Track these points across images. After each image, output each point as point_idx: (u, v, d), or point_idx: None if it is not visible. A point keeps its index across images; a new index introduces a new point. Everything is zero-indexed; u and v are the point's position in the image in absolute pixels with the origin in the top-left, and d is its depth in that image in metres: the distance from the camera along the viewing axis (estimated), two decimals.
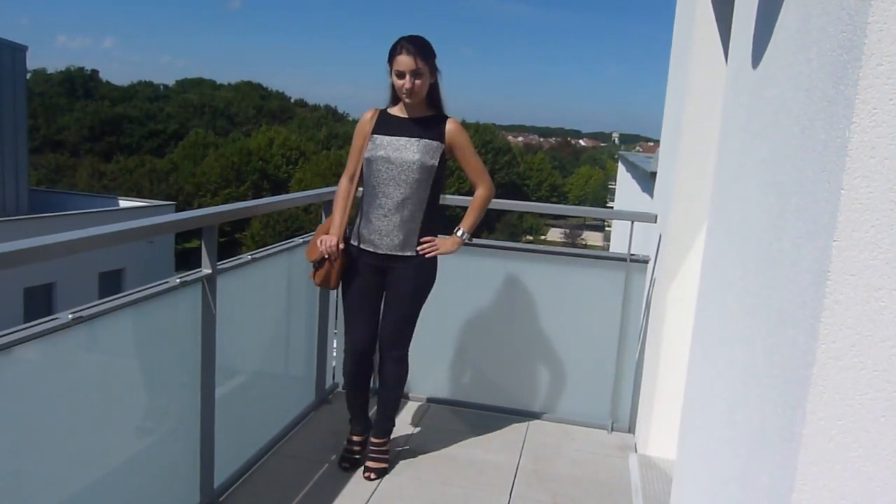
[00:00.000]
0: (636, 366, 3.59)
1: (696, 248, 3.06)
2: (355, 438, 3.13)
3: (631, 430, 3.63)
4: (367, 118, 2.92)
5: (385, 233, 2.87)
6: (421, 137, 2.84)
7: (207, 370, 2.52)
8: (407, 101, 2.82)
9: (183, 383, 2.47)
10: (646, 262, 3.53)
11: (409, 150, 2.82)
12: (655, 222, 3.51)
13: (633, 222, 3.55)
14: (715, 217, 2.02)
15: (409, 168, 2.82)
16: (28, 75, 25.21)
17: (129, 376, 2.22)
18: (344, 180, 2.99)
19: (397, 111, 2.90)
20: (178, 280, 2.30)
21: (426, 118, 2.88)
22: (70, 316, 1.83)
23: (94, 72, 67.13)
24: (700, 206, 3.01)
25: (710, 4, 2.91)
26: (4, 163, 19.28)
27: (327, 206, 3.57)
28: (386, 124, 2.88)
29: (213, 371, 2.54)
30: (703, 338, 1.96)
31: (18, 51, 20.33)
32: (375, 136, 2.86)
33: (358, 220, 2.95)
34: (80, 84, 63.52)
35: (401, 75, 2.77)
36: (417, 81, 2.76)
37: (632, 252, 3.50)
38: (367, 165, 2.86)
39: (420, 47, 2.76)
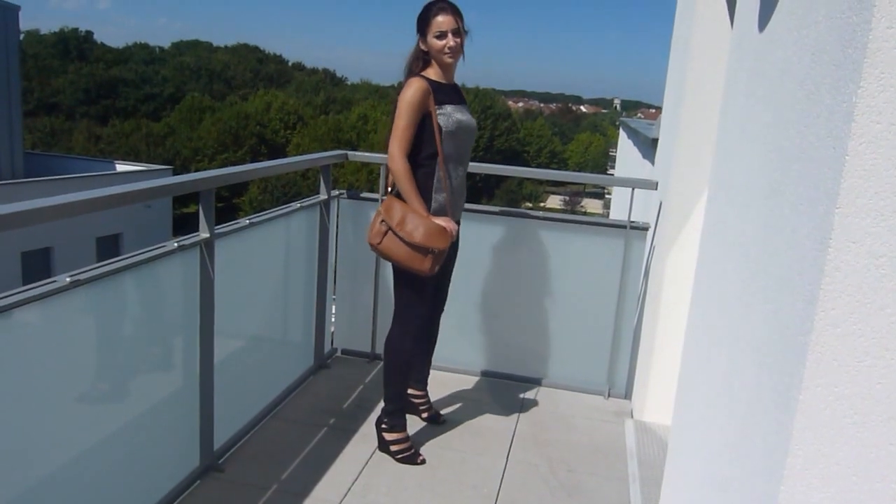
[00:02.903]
0: (634, 332, 3.61)
1: (697, 215, 3.05)
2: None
3: (627, 396, 3.66)
4: (426, 89, 2.74)
5: (463, 200, 2.98)
6: (465, 102, 2.96)
7: (206, 334, 2.53)
8: (449, 61, 2.79)
9: (182, 347, 2.48)
10: (645, 229, 3.52)
11: (471, 115, 2.91)
12: (656, 189, 3.49)
13: (633, 189, 3.53)
14: (716, 183, 2.00)
15: (475, 133, 2.94)
16: (21, 36, 24.74)
17: (127, 340, 2.23)
18: (404, 159, 2.73)
19: (438, 77, 2.83)
20: (175, 244, 2.29)
21: (455, 83, 2.95)
22: (68, 279, 1.83)
23: (89, 33, 66.08)
24: (701, 173, 2.99)
25: None
26: None
27: (325, 171, 3.55)
28: (443, 93, 2.81)
29: (211, 335, 2.55)
30: (702, 304, 1.96)
31: (11, 10, 19.94)
32: (445, 105, 2.79)
33: (445, 195, 2.81)
34: (75, 46, 62.63)
35: (443, 36, 2.75)
36: (459, 40, 2.77)
37: (632, 219, 3.49)
38: (450, 137, 2.78)
39: (456, 7, 2.78)
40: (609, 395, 3.68)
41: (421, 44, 2.82)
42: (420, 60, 2.84)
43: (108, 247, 18.35)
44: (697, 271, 2.17)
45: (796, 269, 1.10)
